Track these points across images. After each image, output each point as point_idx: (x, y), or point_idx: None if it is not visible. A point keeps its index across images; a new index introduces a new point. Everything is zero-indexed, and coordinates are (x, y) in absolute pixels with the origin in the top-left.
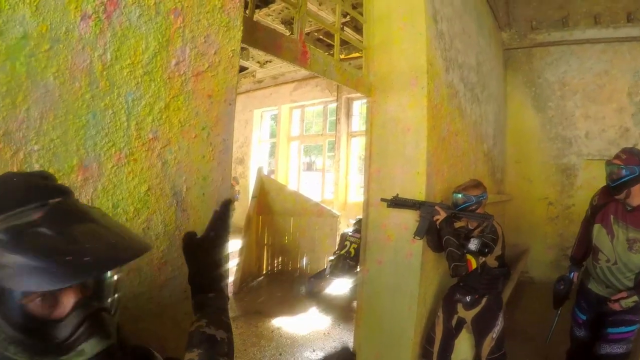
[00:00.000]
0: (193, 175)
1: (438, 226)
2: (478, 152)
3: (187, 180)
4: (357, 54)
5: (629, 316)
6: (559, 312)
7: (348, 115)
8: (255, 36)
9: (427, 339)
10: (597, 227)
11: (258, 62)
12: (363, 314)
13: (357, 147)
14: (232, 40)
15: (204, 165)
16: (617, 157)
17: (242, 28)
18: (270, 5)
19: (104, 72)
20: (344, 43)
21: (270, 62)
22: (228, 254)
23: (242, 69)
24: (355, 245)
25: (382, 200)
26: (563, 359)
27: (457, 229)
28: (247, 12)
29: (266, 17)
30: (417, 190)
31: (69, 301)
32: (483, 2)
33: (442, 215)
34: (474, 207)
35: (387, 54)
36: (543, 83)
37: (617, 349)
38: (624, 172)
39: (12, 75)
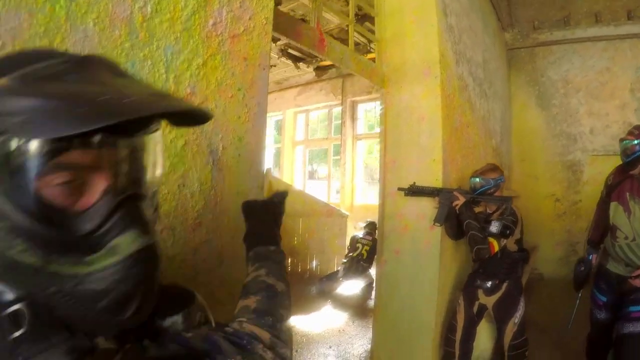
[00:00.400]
0: (229, 135)
1: (458, 211)
2: (487, 147)
3: (223, 139)
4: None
5: None
6: (579, 295)
7: (353, 118)
8: (277, 21)
9: (449, 328)
10: (613, 205)
11: None
12: (382, 306)
13: (363, 150)
14: (265, 8)
15: (239, 126)
16: (630, 133)
17: None
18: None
19: (144, 24)
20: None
21: (274, 66)
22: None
23: None
24: (367, 247)
25: (400, 189)
26: (583, 347)
27: (477, 213)
28: None
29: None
30: (433, 178)
31: (98, 185)
32: (487, 2)
33: (461, 200)
34: (492, 191)
35: (400, 46)
36: (546, 81)
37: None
38: (637, 146)
39: (50, 17)
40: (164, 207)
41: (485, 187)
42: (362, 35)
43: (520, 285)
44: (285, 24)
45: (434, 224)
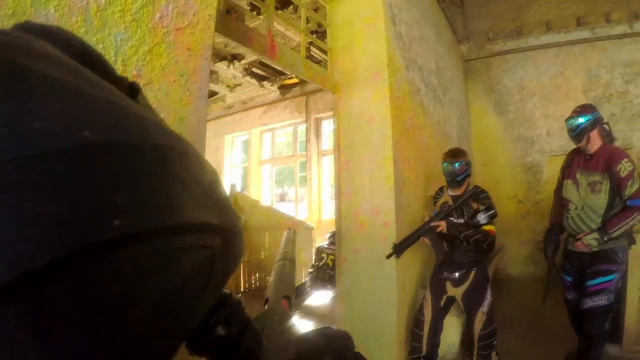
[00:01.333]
0: (171, 115)
1: (446, 233)
2: (444, 150)
3: (165, 119)
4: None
5: (605, 266)
6: (551, 272)
7: (317, 134)
8: (229, 27)
9: (416, 323)
10: (566, 183)
11: (228, 85)
12: (344, 305)
13: (328, 165)
14: (209, 6)
15: (181, 107)
16: (573, 111)
17: None
18: None
19: (98, 13)
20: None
21: (239, 85)
22: None
23: (212, 93)
24: (332, 257)
25: (388, 256)
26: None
27: (444, 208)
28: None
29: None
30: (385, 175)
31: None
32: (441, 16)
33: (443, 225)
34: (469, 172)
35: (351, 54)
36: (502, 89)
37: (599, 301)
38: (580, 119)
39: (19, 1)
40: None
41: (467, 172)
42: (323, 52)
43: (487, 273)
44: (236, 31)
45: (437, 254)
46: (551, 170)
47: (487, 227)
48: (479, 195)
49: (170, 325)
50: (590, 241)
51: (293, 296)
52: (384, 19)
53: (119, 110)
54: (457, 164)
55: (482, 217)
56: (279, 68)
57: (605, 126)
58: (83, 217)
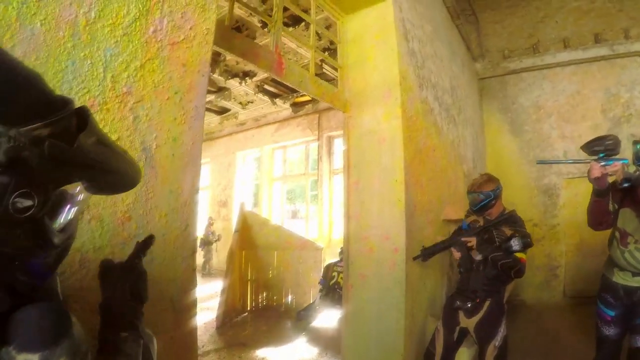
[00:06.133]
0: (164, 135)
1: (478, 250)
2: (458, 172)
3: (157, 138)
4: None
5: None
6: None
7: (329, 153)
8: (233, 43)
9: (426, 354)
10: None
11: (240, 102)
12: (350, 332)
13: (340, 184)
14: (207, 20)
15: (175, 126)
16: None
17: (215, 11)
18: None
19: (87, 27)
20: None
21: (251, 102)
22: (147, 291)
23: (225, 110)
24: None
25: (414, 258)
26: None
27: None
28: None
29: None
30: (396, 199)
31: None
32: (455, 33)
33: (473, 241)
34: (493, 202)
35: (361, 71)
36: (518, 108)
37: None
38: None
39: (3, 16)
40: (93, 196)
41: (486, 201)
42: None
43: (502, 305)
44: (241, 46)
45: (459, 271)
46: (568, 193)
47: (518, 255)
48: (515, 221)
49: None
50: None
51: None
52: (396, 35)
53: None
54: (476, 194)
55: (515, 243)
56: (290, 85)
57: None
58: None
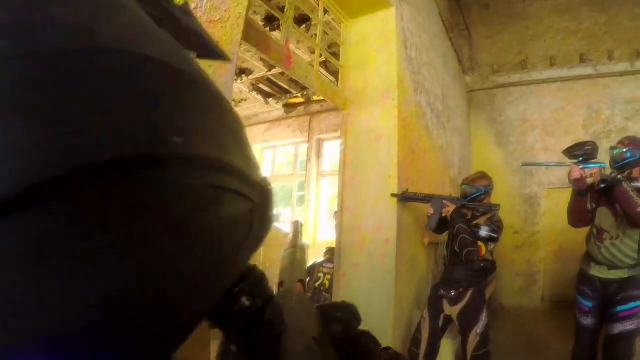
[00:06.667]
0: None
1: (449, 217)
2: (445, 176)
3: None
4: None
5: (636, 291)
6: None
7: (319, 155)
8: (249, 33)
9: (413, 341)
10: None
11: (234, 100)
12: None
13: (327, 187)
14: (239, 5)
15: None
16: (620, 142)
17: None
18: None
19: None
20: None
21: (245, 100)
22: None
23: None
24: (329, 277)
25: (393, 195)
26: None
27: (467, 219)
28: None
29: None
30: (388, 193)
31: None
32: (448, 46)
33: (451, 207)
34: (482, 198)
35: (362, 72)
36: (505, 121)
37: (630, 326)
38: (626, 154)
39: None
40: None
41: (476, 194)
42: (331, 74)
43: (484, 295)
44: (256, 37)
45: (426, 229)
46: (549, 202)
47: (480, 243)
48: (493, 217)
49: (209, 275)
50: None
51: (306, 281)
52: (396, 41)
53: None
54: (467, 187)
55: (484, 230)
56: (296, 79)
57: None
58: (137, 129)
